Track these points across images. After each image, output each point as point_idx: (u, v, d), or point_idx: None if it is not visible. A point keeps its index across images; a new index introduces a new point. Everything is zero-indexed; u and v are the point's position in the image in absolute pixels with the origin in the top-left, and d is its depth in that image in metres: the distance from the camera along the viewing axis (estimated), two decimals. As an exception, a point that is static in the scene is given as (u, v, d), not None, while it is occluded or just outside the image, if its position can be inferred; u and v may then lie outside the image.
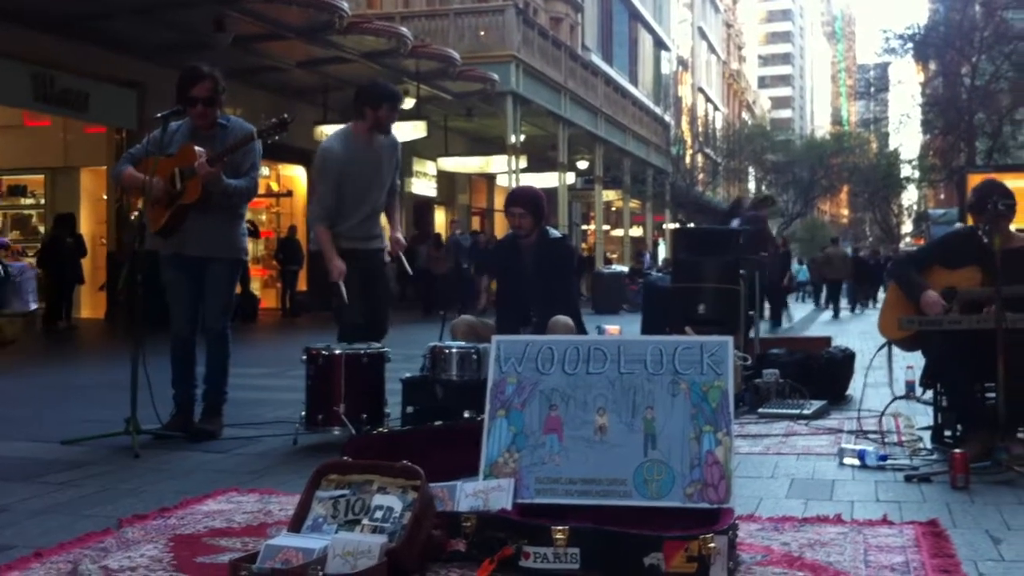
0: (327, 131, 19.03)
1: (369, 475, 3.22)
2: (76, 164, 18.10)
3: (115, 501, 4.15)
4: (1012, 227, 5.34)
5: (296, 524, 3.17)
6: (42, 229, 18.50)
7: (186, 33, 15.40)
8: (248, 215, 6.12)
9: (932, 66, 38.11)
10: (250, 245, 7.40)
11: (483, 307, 6.94)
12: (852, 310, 26.34)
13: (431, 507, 3.14)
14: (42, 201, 18.76)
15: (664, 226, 41.27)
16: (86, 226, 17.44)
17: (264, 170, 20.25)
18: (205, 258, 5.73)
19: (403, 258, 6.37)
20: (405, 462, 3.19)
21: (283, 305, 20.51)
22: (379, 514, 3.11)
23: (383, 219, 6.27)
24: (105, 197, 17.60)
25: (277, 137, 5.64)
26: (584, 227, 39.24)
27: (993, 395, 4.79)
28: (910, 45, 33.80)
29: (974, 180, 13.39)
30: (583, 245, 36.42)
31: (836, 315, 23.87)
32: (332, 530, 3.09)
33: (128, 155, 5.92)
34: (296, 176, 22.35)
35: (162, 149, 5.57)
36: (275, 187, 22.53)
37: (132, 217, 5.58)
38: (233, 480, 4.56)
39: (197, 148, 5.50)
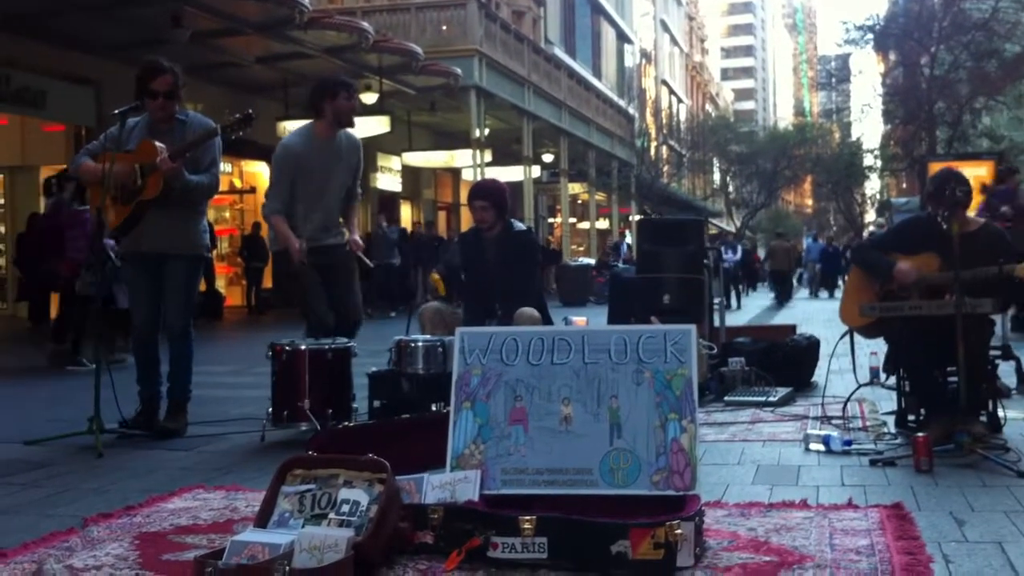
0: (289, 127, 18.95)
1: (335, 469, 3.21)
2: (35, 163, 17.84)
3: (79, 500, 4.12)
4: (970, 213, 5.42)
5: (262, 519, 3.16)
6: (2, 228, 18.26)
7: (143, 29, 15.22)
8: (211, 214, 6.12)
9: (892, 56, 38.47)
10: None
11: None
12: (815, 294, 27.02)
13: (397, 500, 3.13)
14: (1, 200, 18.53)
15: (630, 218, 41.37)
16: (46, 224, 17.25)
17: (226, 167, 20.19)
18: (165, 255, 5.69)
19: (362, 256, 6.35)
20: (371, 455, 3.19)
21: (248, 302, 20.39)
22: (345, 508, 3.10)
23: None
24: (66, 196, 17.37)
25: (241, 133, 5.61)
26: (550, 220, 39.28)
27: (954, 379, 4.84)
28: (870, 36, 34.07)
29: (935, 169, 13.53)
30: (549, 238, 36.46)
31: (780, 303, 24.93)
32: (298, 525, 3.08)
33: (85, 150, 5.86)
34: (259, 172, 22.19)
35: (120, 145, 5.52)
36: (238, 184, 22.37)
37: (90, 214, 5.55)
38: (198, 477, 4.53)
39: (157, 144, 5.46)
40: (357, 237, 6.22)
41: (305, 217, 5.93)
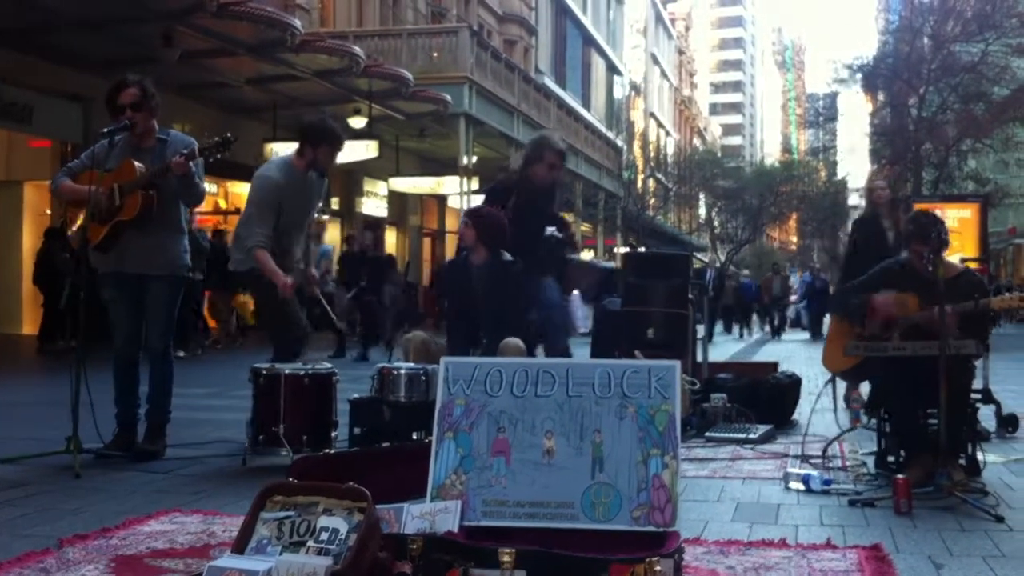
0: (276, 148, 18.98)
1: (315, 497, 3.19)
2: (19, 178, 17.81)
3: (56, 521, 4.08)
4: (955, 257, 5.47)
5: (240, 545, 3.12)
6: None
7: (134, 47, 15.23)
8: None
9: (880, 97, 38.77)
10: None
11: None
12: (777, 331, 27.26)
13: (377, 529, 3.11)
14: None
15: (615, 250, 41.49)
16: (28, 241, 17.18)
17: (211, 187, 20.15)
18: (146, 276, 5.67)
19: (327, 307, 6.46)
20: (351, 484, 3.17)
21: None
22: (324, 536, 3.08)
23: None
24: (49, 212, 17.34)
25: (219, 155, 5.60)
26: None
27: (935, 421, 4.85)
28: (859, 75, 34.38)
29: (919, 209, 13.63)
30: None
31: (728, 331, 28.34)
32: (277, 552, 3.05)
33: (66, 168, 5.84)
34: (244, 194, 22.11)
35: (101, 164, 5.47)
36: (223, 204, 22.33)
37: (69, 232, 5.57)
38: (176, 500, 4.50)
39: (136, 164, 5.47)
40: (314, 271, 6.41)
41: (285, 246, 6.00)
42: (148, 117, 5.64)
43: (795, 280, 31.32)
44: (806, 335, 25.64)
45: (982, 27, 29.81)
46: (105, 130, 5.50)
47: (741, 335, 27.92)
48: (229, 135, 5.59)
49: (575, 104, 38.20)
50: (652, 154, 49.88)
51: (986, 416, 6.25)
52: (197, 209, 9.08)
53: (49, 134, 16.81)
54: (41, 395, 8.93)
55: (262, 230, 5.89)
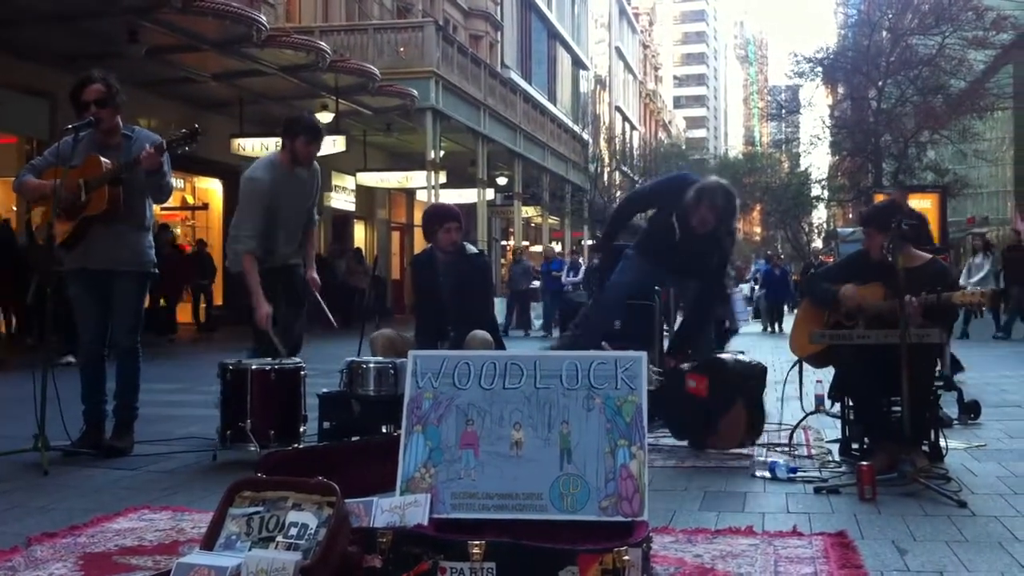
0: (243, 144, 18.91)
1: (284, 492, 3.19)
2: (-16, 174, 17.59)
3: (23, 519, 4.06)
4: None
5: (209, 542, 3.13)
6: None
7: (99, 43, 15.09)
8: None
9: (840, 89, 39.10)
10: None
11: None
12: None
13: (347, 523, 3.12)
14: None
15: (583, 242, 41.58)
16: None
17: (179, 182, 20.01)
18: (112, 272, 5.64)
19: (322, 303, 6.41)
20: (320, 478, 3.18)
21: (196, 319, 20.17)
22: (294, 531, 3.08)
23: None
24: (15, 208, 17.14)
25: (187, 148, 5.58)
26: (503, 243, 39.37)
27: (899, 409, 4.92)
28: (819, 69, 34.66)
29: (880, 200, 13.75)
30: (502, 260, 36.53)
31: None
32: (246, 547, 3.06)
33: (30, 166, 5.80)
34: (212, 189, 22.05)
35: (66, 160, 5.44)
36: (191, 200, 22.19)
37: (35, 229, 5.56)
38: (145, 497, 4.49)
39: (103, 159, 5.44)
40: (315, 275, 6.32)
41: (270, 241, 5.98)
42: (113, 113, 5.61)
43: (752, 268, 31.15)
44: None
45: (939, 20, 30.15)
46: (70, 126, 5.46)
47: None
48: (196, 127, 5.57)
49: (541, 98, 38.20)
50: (618, 147, 50.03)
51: (947, 403, 6.33)
52: (165, 204, 9.07)
53: (15, 130, 16.62)
54: (8, 392, 8.83)
55: (251, 232, 5.89)
